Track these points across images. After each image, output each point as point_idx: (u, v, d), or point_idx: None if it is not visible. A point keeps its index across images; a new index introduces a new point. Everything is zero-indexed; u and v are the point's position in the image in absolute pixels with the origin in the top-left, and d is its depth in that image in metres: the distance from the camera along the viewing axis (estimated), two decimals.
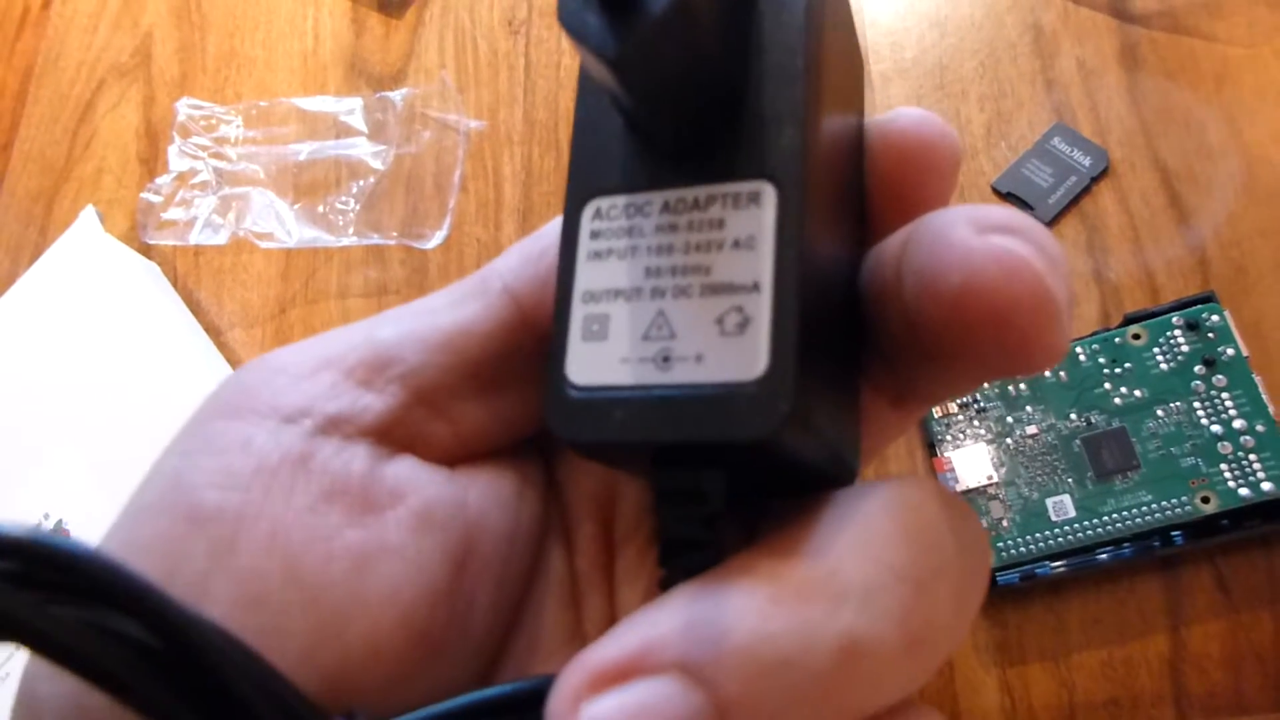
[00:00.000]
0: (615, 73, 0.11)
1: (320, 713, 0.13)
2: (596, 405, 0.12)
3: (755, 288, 0.12)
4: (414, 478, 0.15)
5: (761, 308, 0.12)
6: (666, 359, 0.12)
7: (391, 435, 0.16)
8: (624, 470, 0.15)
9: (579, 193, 0.13)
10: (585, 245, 0.13)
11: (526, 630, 0.17)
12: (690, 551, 0.12)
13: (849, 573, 0.11)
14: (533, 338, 0.16)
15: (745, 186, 0.12)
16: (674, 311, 0.12)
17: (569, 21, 0.11)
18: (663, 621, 0.11)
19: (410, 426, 0.16)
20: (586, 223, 0.13)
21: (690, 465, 0.12)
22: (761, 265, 0.12)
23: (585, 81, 0.14)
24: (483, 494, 0.16)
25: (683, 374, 0.12)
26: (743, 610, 0.11)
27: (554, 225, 0.16)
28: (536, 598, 0.17)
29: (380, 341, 0.16)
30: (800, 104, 0.12)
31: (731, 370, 0.11)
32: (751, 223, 0.12)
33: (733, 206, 0.12)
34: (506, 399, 0.17)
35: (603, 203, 0.13)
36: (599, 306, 0.13)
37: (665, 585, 0.12)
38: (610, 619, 0.16)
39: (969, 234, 0.12)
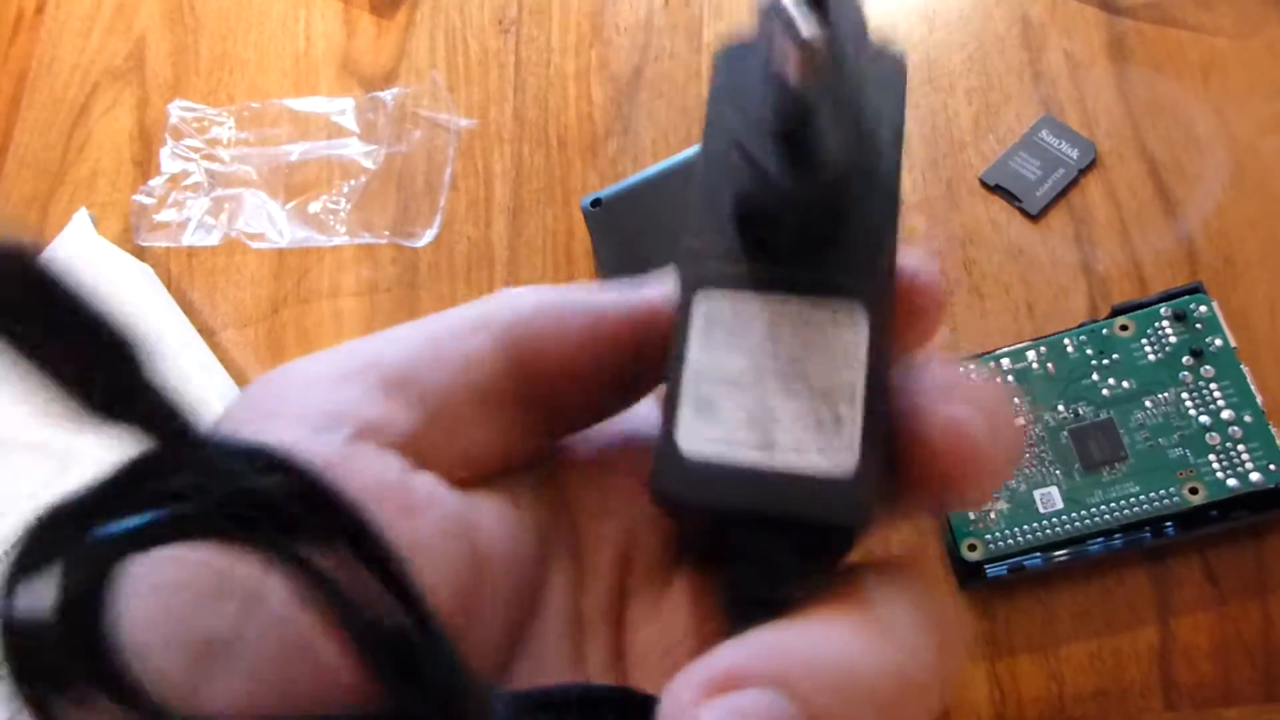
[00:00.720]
0: (785, 202, 0.14)
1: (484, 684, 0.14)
2: (704, 473, 0.14)
3: (850, 396, 0.14)
4: (434, 494, 0.16)
5: (854, 413, 0.14)
6: (769, 444, 0.14)
7: (413, 451, 0.16)
8: (694, 531, 0.17)
9: (693, 280, 0.15)
10: (698, 329, 0.15)
11: (528, 660, 0.17)
12: (759, 604, 0.14)
13: (901, 626, 0.14)
14: (544, 375, 0.16)
15: (845, 307, 0.14)
16: (778, 404, 0.14)
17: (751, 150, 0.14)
18: (758, 646, 0.13)
19: (428, 445, 0.16)
20: (698, 308, 0.15)
21: (769, 535, 0.14)
22: (855, 378, 0.14)
23: (703, 186, 0.15)
24: (493, 520, 0.16)
25: (782, 459, 0.14)
26: (826, 643, 0.13)
27: (580, 292, 0.16)
28: (539, 629, 0.17)
29: (397, 359, 0.16)
30: (894, 236, 0.15)
31: (826, 463, 0.14)
32: (848, 339, 0.14)
33: (832, 323, 0.14)
34: (516, 427, 0.17)
35: (715, 294, 0.15)
36: (708, 388, 0.14)
37: (735, 629, 0.14)
38: (616, 657, 0.17)
39: (933, 399, 0.14)
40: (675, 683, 0.13)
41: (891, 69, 0.15)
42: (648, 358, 0.16)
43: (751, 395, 0.14)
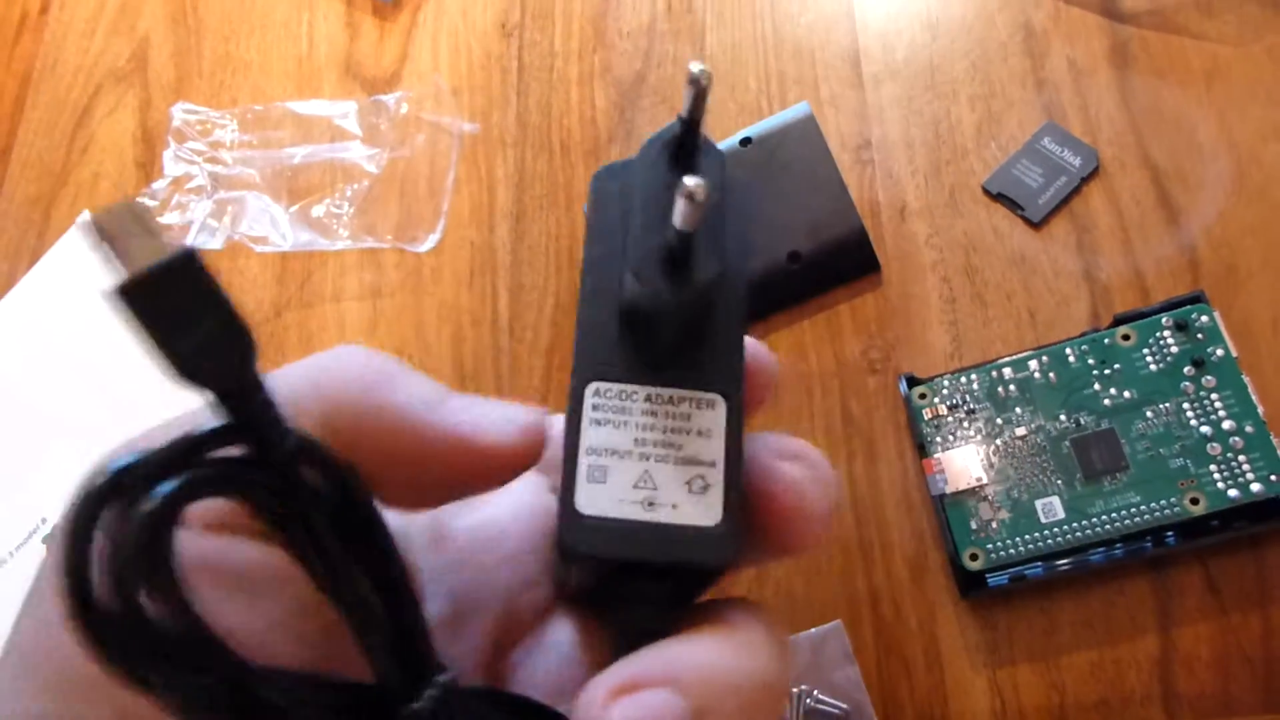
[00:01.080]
0: (667, 311, 0.18)
1: (438, 662, 0.17)
2: (600, 529, 0.17)
3: (713, 465, 0.18)
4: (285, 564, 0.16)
5: (717, 478, 0.17)
6: (651, 504, 0.17)
7: (243, 526, 0.16)
8: (588, 577, 0.19)
9: (585, 373, 0.18)
10: (588, 413, 0.18)
11: None
12: (643, 633, 0.17)
13: (758, 643, 0.17)
14: (359, 454, 0.17)
15: (707, 396, 0.18)
16: (656, 472, 0.17)
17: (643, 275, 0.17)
18: (652, 658, 0.16)
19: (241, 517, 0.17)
20: (589, 397, 0.18)
21: (652, 576, 0.17)
22: (717, 451, 0.18)
23: (590, 290, 0.19)
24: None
25: (663, 516, 0.17)
26: (705, 654, 0.17)
27: (416, 396, 0.18)
28: None
29: None
30: (741, 343, 0.18)
31: (697, 518, 0.17)
32: (710, 420, 0.18)
33: (697, 407, 0.18)
34: None
35: (602, 385, 0.18)
36: (600, 459, 0.18)
37: (626, 653, 0.17)
38: None
39: (775, 461, 0.18)
40: (586, 691, 0.16)
41: (747, 198, 0.19)
42: (465, 478, 0.18)
43: (635, 466, 0.18)
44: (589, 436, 0.18)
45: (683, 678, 0.16)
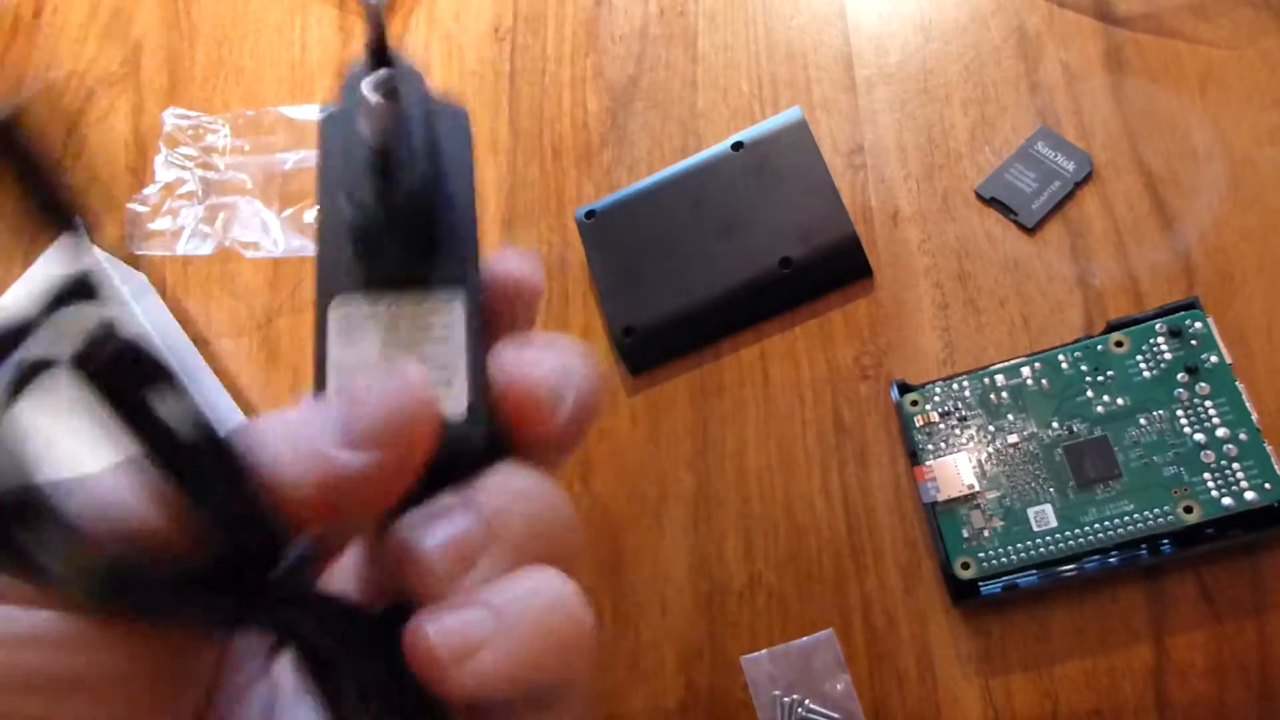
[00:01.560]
0: (382, 224, 0.19)
1: (284, 527, 0.16)
2: None
3: (456, 363, 0.18)
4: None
5: (460, 375, 0.18)
6: None
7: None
8: None
9: (324, 294, 0.19)
10: (332, 332, 0.19)
11: None
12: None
13: (530, 471, 0.19)
14: None
15: (440, 298, 0.19)
16: None
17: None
18: (445, 497, 0.18)
19: None
20: (331, 316, 0.19)
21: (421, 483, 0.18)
22: (457, 349, 0.19)
23: (322, 222, 0.19)
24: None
25: None
26: (490, 480, 0.18)
27: None
28: None
29: None
30: (473, 248, 0.19)
31: (448, 413, 0.18)
32: (447, 321, 0.19)
33: (434, 312, 0.19)
34: None
35: (341, 302, 0.19)
36: (349, 374, 0.18)
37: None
38: None
39: (515, 363, 0.19)
40: (412, 536, 0.17)
41: (460, 119, 0.20)
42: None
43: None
44: (335, 354, 0.19)
45: (476, 499, 0.17)
